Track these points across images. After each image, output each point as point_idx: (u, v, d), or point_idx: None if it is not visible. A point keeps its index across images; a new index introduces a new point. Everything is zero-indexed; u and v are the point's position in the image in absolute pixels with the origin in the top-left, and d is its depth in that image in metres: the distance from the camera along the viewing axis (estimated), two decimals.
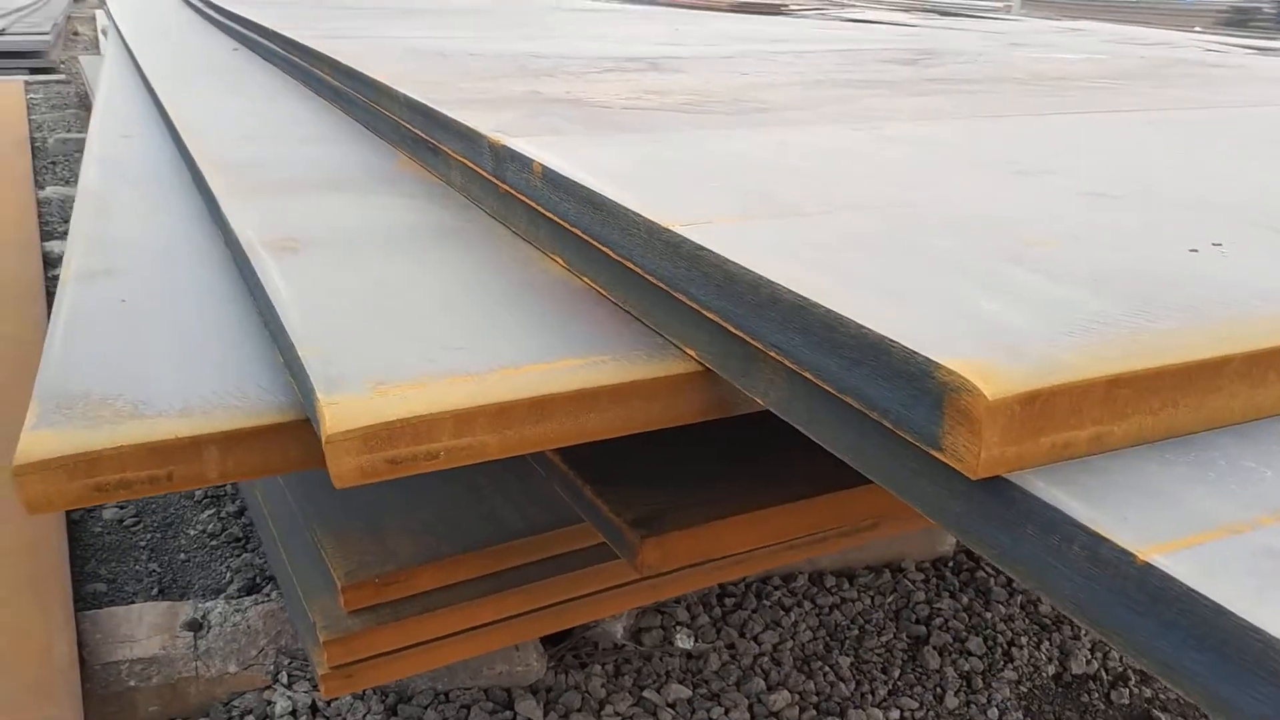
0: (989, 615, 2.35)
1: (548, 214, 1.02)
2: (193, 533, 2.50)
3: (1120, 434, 0.54)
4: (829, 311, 0.61)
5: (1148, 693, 2.16)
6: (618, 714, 1.99)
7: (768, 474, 1.25)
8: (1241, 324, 0.60)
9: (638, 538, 1.11)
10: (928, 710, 2.06)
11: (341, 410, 0.70)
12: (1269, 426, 0.59)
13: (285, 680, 1.96)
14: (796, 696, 2.07)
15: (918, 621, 2.32)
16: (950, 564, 2.55)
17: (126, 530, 2.48)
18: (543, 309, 0.91)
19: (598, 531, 1.21)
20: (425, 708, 1.94)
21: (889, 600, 2.40)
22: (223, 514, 2.57)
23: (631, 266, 0.85)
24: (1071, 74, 2.19)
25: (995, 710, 2.08)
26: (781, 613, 2.33)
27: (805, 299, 0.63)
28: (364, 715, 1.92)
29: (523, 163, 1.06)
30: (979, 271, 0.70)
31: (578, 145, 1.14)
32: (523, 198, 1.09)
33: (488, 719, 1.92)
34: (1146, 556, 0.45)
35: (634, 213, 0.83)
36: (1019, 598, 2.42)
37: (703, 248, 0.73)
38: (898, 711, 2.05)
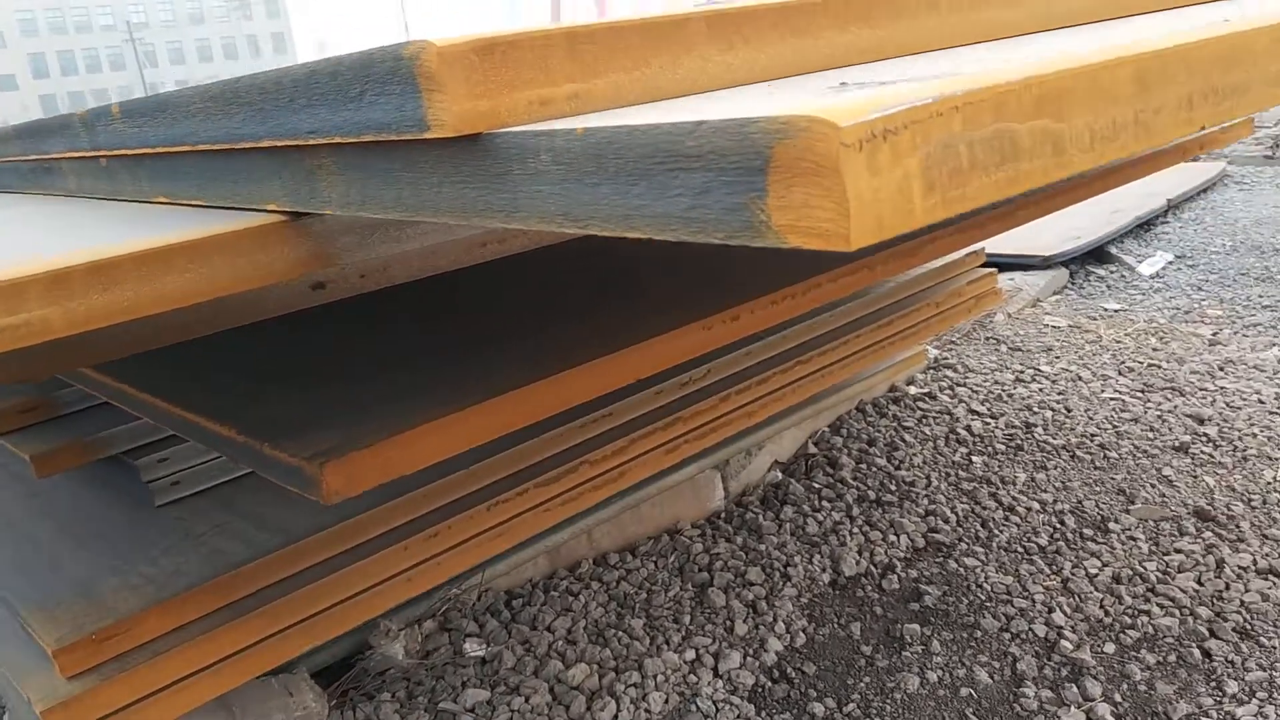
0: (763, 547, 2.43)
1: (139, 152, 1.00)
2: None
3: (600, 92, 0.59)
4: (330, 61, 0.63)
5: (913, 574, 2.29)
6: None
7: (452, 389, 1.26)
8: (703, 5, 0.67)
9: (317, 467, 1.08)
10: (720, 642, 2.10)
11: None
12: (756, 87, 0.65)
13: None
14: (594, 666, 2.06)
15: (700, 570, 2.37)
16: (722, 515, 2.63)
17: None
18: (134, 224, 0.89)
19: (287, 488, 1.17)
20: None
21: (671, 560, 2.44)
22: None
23: (205, 148, 0.85)
24: None
25: (782, 624, 2.14)
26: (570, 598, 2.32)
27: (312, 64, 0.66)
28: None
29: (105, 114, 1.04)
30: (494, 26, 0.74)
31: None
32: (119, 152, 1.06)
33: None
34: (585, 125, 0.49)
35: (186, 89, 0.84)
36: (788, 526, 2.52)
37: (238, 78, 0.75)
38: (692, 651, 2.08)
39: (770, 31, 0.66)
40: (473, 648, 2.17)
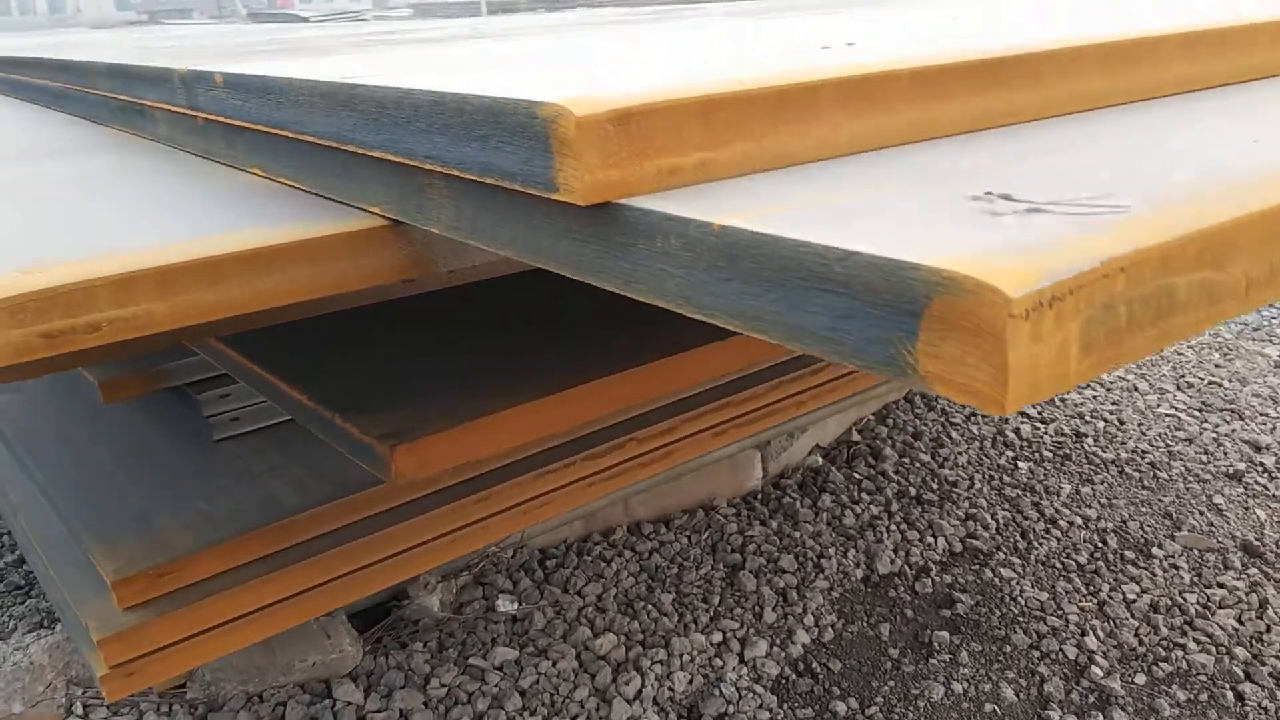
0: (798, 535, 2.44)
1: (237, 123, 1.00)
2: None
3: (727, 160, 0.58)
4: (456, 95, 0.62)
5: (947, 579, 2.29)
6: (444, 685, 1.96)
7: (527, 375, 1.26)
8: (834, 67, 0.65)
9: (388, 448, 1.10)
10: (748, 628, 2.12)
11: None
12: (882, 153, 0.64)
13: (80, 711, 1.83)
14: (622, 638, 2.09)
15: (733, 551, 2.38)
16: (759, 496, 2.63)
17: None
18: (229, 204, 0.89)
19: (356, 461, 1.19)
20: (237, 711, 1.85)
21: (704, 537, 2.45)
22: (0, 564, 2.38)
23: (309, 139, 0.85)
24: (793, 5, 2.31)
25: (811, 617, 2.15)
26: (603, 564, 2.34)
27: (438, 92, 0.64)
28: None
29: (207, 80, 1.04)
30: (619, 68, 0.73)
31: (269, 64, 1.12)
32: (216, 118, 1.06)
33: (305, 710, 1.85)
34: (722, 222, 0.48)
35: (298, 80, 0.83)
36: (825, 515, 2.52)
37: (356, 84, 0.74)
38: (719, 634, 2.10)
39: (902, 98, 0.64)
40: (505, 605, 2.21)
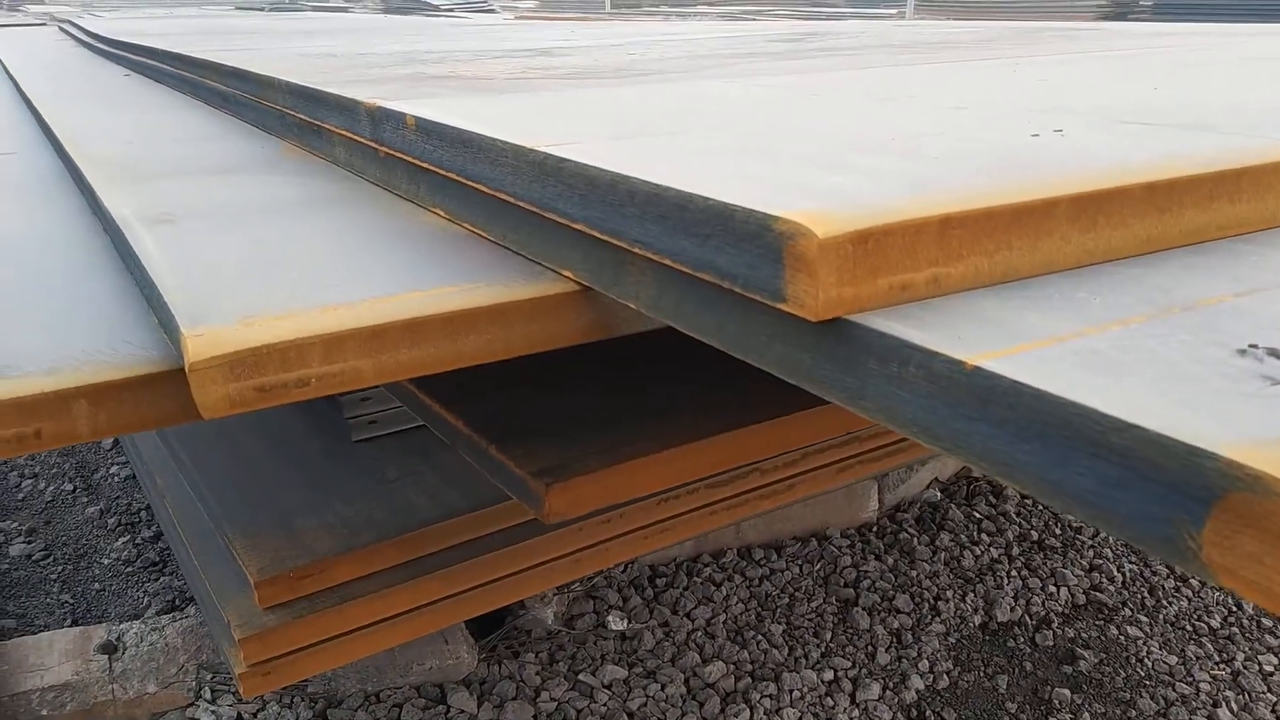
0: (914, 573, 2.39)
1: (424, 165, 1.02)
2: (106, 561, 2.43)
3: (958, 275, 0.57)
4: (679, 192, 0.62)
5: (1070, 633, 2.22)
6: (554, 700, 1.98)
7: (674, 419, 1.26)
8: (1069, 175, 0.63)
9: (543, 486, 1.11)
10: (860, 668, 2.09)
11: (206, 340, 0.69)
12: (1105, 268, 0.62)
13: (209, 695, 1.91)
14: (731, 666, 2.08)
15: (846, 585, 2.35)
16: (874, 529, 2.59)
17: (35, 565, 2.40)
18: (421, 251, 0.91)
19: (507, 491, 1.21)
20: (355, 710, 1.90)
21: (817, 568, 2.43)
22: (138, 540, 2.50)
23: (504, 197, 0.86)
24: (945, 41, 2.26)
25: (926, 662, 2.11)
26: (713, 588, 2.34)
27: (658, 185, 0.64)
28: None
29: (397, 119, 1.07)
30: (829, 160, 0.72)
31: (453, 103, 1.14)
32: (401, 155, 1.09)
33: (420, 714, 1.90)
34: (975, 362, 0.47)
35: (502, 141, 0.84)
36: (942, 554, 2.47)
37: (565, 159, 0.75)
38: (831, 672, 2.08)
39: (1132, 212, 0.62)
40: (615, 622, 2.23)
